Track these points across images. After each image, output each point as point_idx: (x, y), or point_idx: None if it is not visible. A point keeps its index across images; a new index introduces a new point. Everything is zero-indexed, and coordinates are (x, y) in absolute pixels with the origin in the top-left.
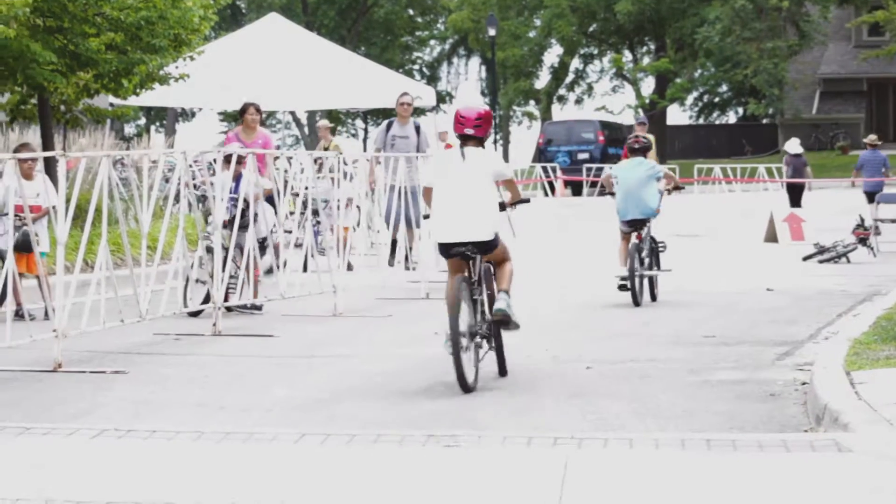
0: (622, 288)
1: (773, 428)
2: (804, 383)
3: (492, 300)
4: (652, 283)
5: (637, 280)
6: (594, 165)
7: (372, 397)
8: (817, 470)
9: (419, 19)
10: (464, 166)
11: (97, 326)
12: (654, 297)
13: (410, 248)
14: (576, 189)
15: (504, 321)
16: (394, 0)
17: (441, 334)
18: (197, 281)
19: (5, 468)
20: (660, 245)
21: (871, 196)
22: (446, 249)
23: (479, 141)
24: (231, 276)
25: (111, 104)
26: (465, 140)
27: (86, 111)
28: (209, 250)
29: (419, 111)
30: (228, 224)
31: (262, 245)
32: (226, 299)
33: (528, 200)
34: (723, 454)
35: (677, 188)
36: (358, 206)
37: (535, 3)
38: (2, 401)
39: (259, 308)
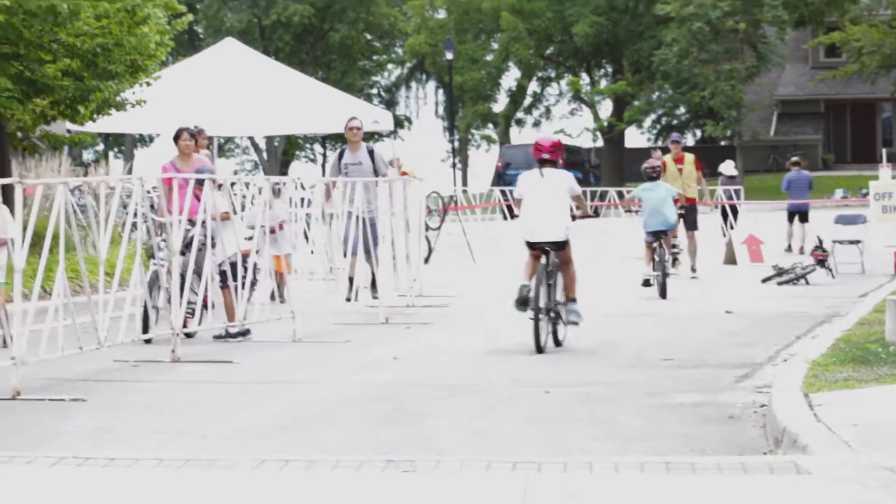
0: (646, 284)
1: (732, 450)
2: (763, 406)
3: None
4: (664, 281)
5: (660, 278)
6: None
7: (331, 423)
8: (776, 492)
9: (377, 43)
10: (542, 182)
11: (56, 354)
12: (664, 295)
13: (374, 275)
14: None
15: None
16: (350, 24)
17: (399, 359)
18: (154, 307)
19: None
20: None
21: (792, 215)
22: (531, 245)
23: (554, 163)
24: (189, 303)
25: (68, 130)
26: (542, 163)
27: (43, 137)
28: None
29: (377, 136)
30: (186, 249)
31: (233, 268)
32: (184, 325)
33: (596, 215)
34: (682, 477)
35: (683, 207)
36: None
37: (492, 27)
38: None
39: (245, 333)
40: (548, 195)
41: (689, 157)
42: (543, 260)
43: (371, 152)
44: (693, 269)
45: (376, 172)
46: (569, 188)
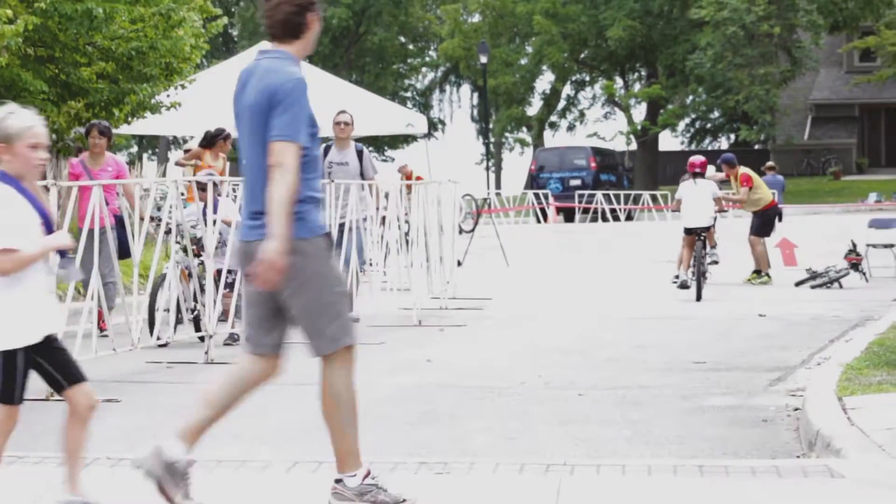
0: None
1: (765, 454)
2: (796, 409)
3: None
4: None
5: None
6: (586, 192)
7: (364, 424)
8: (809, 496)
9: (411, 46)
10: (696, 188)
11: (89, 355)
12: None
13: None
14: (568, 215)
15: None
16: (386, 27)
17: (432, 362)
18: (167, 310)
19: None
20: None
21: None
22: (688, 231)
23: (702, 175)
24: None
25: None
26: (695, 175)
27: (77, 140)
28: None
29: (412, 138)
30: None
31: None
32: (197, 328)
33: (725, 211)
34: (715, 480)
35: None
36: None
37: (526, 31)
38: None
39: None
40: (699, 197)
41: (739, 174)
42: (697, 240)
43: (360, 153)
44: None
45: (363, 175)
46: (712, 193)
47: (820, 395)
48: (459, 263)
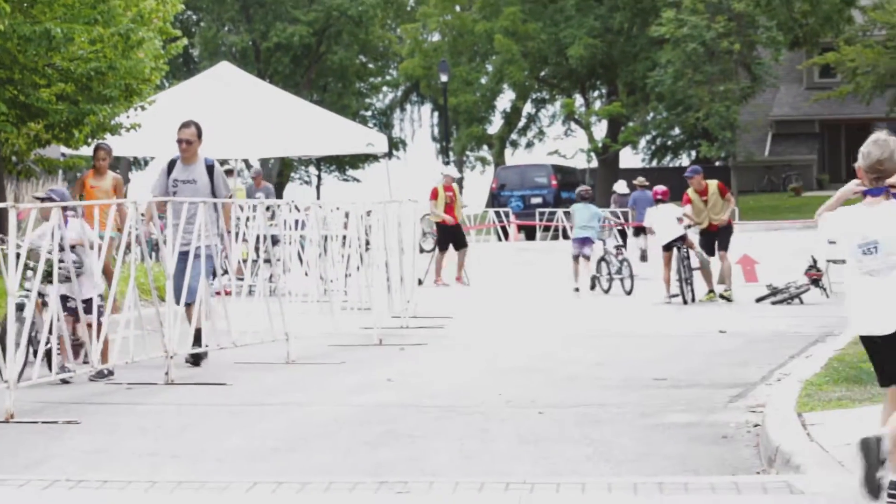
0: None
1: (725, 470)
2: (756, 425)
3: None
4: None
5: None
6: (547, 210)
7: (324, 445)
8: None
9: (371, 66)
10: (659, 212)
11: (49, 377)
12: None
13: (198, 332)
14: (529, 233)
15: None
16: (346, 46)
17: (392, 381)
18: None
19: None
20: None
21: (639, 231)
22: (666, 246)
23: (665, 201)
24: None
25: (63, 154)
26: (658, 201)
27: (37, 162)
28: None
29: (373, 158)
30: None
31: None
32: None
33: (690, 226)
34: (675, 497)
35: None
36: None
37: (486, 49)
38: None
39: (67, 381)
40: (666, 217)
41: (713, 186)
42: (675, 251)
43: (210, 168)
44: (726, 291)
45: (214, 194)
46: (675, 214)
47: (780, 412)
48: (420, 282)
